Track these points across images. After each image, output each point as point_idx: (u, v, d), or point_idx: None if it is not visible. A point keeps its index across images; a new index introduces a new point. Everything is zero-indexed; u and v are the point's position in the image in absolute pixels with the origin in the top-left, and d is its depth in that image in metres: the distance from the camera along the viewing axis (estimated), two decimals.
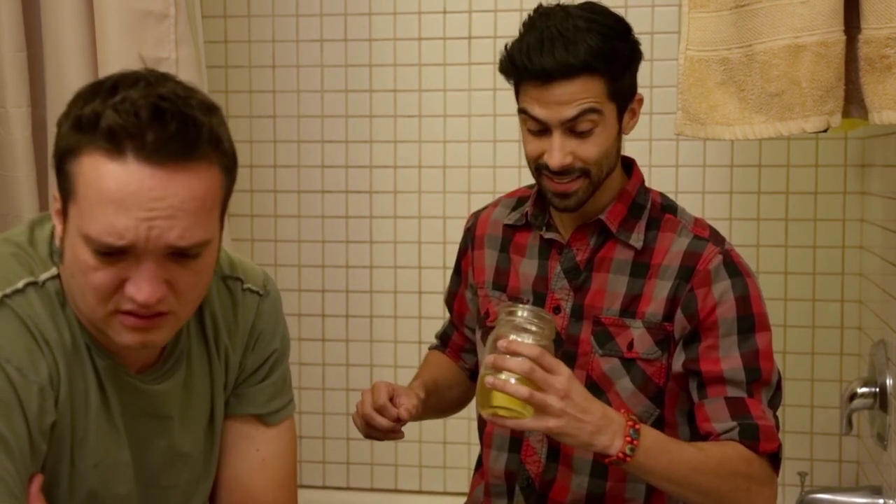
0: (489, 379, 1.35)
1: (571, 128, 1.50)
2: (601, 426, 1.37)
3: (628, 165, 1.65)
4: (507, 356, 1.35)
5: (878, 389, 1.91)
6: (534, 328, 1.38)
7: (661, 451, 1.43)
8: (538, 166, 1.55)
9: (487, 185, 2.42)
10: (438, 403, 1.73)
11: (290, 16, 2.50)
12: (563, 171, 1.52)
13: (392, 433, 1.58)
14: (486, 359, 1.37)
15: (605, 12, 1.54)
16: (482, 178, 2.44)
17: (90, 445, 1.19)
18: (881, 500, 1.89)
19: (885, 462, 1.92)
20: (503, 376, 1.35)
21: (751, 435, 1.49)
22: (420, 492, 2.53)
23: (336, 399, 2.55)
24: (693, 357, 1.53)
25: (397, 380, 2.44)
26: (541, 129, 1.52)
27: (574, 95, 1.49)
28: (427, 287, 2.46)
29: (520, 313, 1.39)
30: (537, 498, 1.59)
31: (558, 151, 1.51)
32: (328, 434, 2.56)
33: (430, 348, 1.89)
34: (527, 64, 1.49)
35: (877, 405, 1.91)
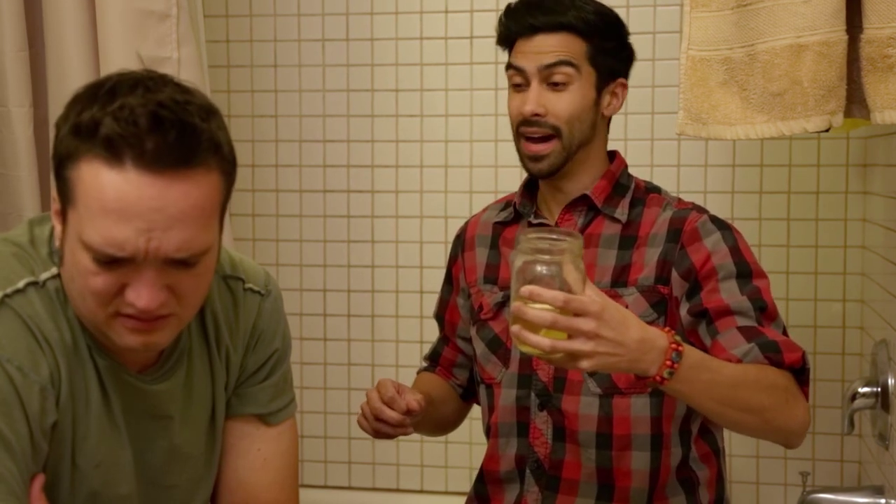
0: (513, 330, 1.27)
1: (547, 78, 1.62)
2: (637, 356, 1.31)
3: (612, 156, 1.74)
4: (529, 304, 1.25)
5: (879, 389, 1.90)
6: (554, 251, 1.26)
7: (702, 370, 1.38)
8: (517, 126, 1.65)
9: (489, 184, 2.42)
10: (434, 414, 1.73)
11: (292, 15, 2.50)
12: (535, 123, 1.61)
13: (401, 427, 1.58)
14: (512, 305, 1.28)
15: (603, 4, 1.68)
16: (484, 177, 2.44)
17: (91, 445, 1.19)
18: (883, 500, 1.88)
19: (887, 462, 1.92)
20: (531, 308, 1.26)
21: (772, 349, 1.48)
22: (422, 491, 2.53)
23: (338, 398, 2.55)
24: (697, 302, 1.56)
25: (399, 379, 2.44)
26: (521, 83, 1.64)
27: (553, 47, 1.62)
28: (428, 287, 2.45)
29: (536, 236, 1.28)
30: (548, 479, 1.61)
31: (533, 97, 1.62)
32: (330, 433, 2.56)
33: (418, 371, 1.89)
34: (518, 19, 1.64)
35: (879, 405, 1.91)
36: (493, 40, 2.39)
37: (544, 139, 1.62)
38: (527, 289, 1.25)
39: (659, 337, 1.33)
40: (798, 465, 2.31)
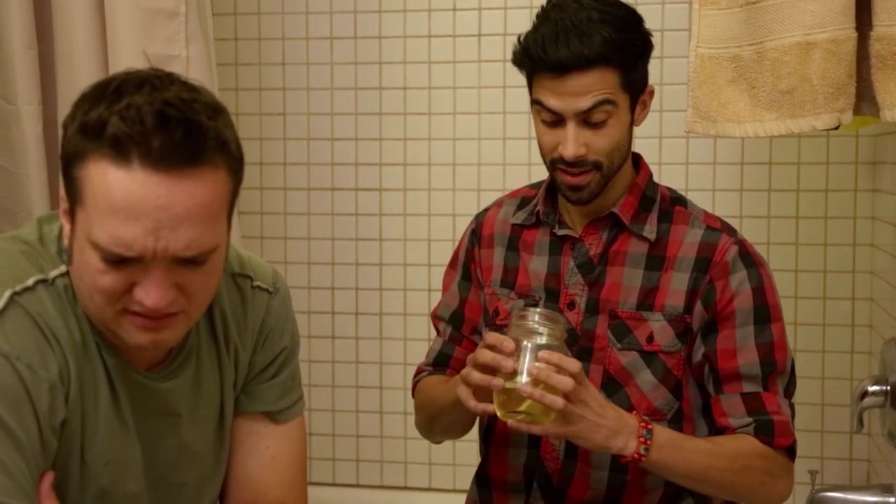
0: (527, 389, 1.36)
1: (586, 119, 1.52)
2: (616, 429, 1.42)
3: (636, 160, 1.67)
4: (551, 370, 1.36)
5: (888, 388, 1.90)
6: (547, 330, 1.40)
7: (675, 449, 1.47)
8: (553, 160, 1.56)
9: (497, 182, 2.42)
10: (450, 417, 1.66)
11: (300, 13, 2.50)
12: (577, 163, 1.53)
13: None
14: (529, 368, 1.37)
15: (617, 4, 1.56)
16: (492, 175, 2.44)
17: (100, 442, 1.19)
18: (892, 499, 1.88)
19: None
20: (520, 380, 1.37)
21: (766, 431, 1.53)
22: (430, 489, 2.53)
23: (345, 396, 2.56)
24: (711, 349, 1.56)
25: (406, 376, 2.44)
26: (555, 120, 1.54)
27: (589, 87, 1.51)
28: (436, 285, 2.45)
29: (532, 316, 1.41)
30: (555, 495, 1.59)
31: (572, 142, 1.52)
32: (338, 431, 2.57)
33: (421, 379, 1.76)
34: (542, 55, 1.51)
35: (888, 403, 1.90)
36: (502, 38, 2.42)
37: (584, 172, 1.55)
38: (545, 354, 1.37)
39: (630, 417, 1.45)
40: (807, 463, 2.31)
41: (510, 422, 1.40)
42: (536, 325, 1.40)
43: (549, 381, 1.36)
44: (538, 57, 1.52)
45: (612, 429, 1.42)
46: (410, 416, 1.80)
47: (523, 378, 1.37)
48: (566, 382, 1.36)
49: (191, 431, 1.28)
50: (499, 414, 1.40)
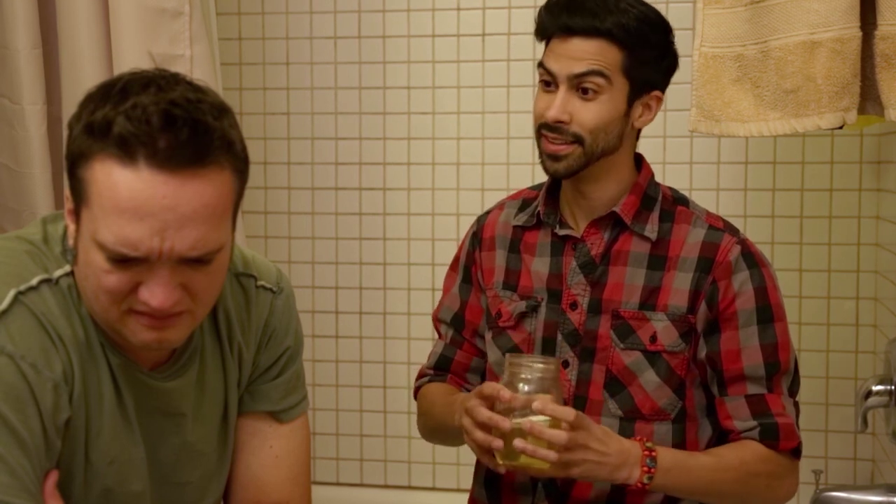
0: (519, 444, 1.37)
1: (577, 85, 1.55)
2: (619, 463, 1.44)
3: (638, 160, 1.67)
4: (542, 425, 1.38)
5: (893, 387, 1.89)
6: (539, 375, 1.41)
7: (680, 471, 1.49)
8: (538, 126, 1.59)
9: (501, 181, 2.42)
10: (459, 437, 1.60)
11: (304, 13, 2.50)
12: (557, 128, 1.55)
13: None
14: (523, 423, 1.38)
15: (650, 6, 1.59)
16: (495, 174, 2.44)
17: (105, 442, 1.20)
18: None
19: None
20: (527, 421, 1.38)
21: (771, 435, 1.54)
22: (433, 489, 2.53)
23: (349, 395, 2.56)
24: (715, 350, 1.56)
25: (410, 375, 2.44)
26: (550, 82, 1.57)
27: (587, 54, 1.54)
28: (440, 284, 2.45)
29: (525, 363, 1.43)
30: (559, 495, 1.60)
31: (558, 104, 1.55)
32: (341, 430, 2.57)
33: (422, 385, 1.76)
34: (555, 18, 1.56)
35: (892, 403, 1.90)
36: (506, 37, 2.42)
37: (564, 143, 1.56)
38: (539, 405, 1.37)
39: (633, 446, 1.46)
40: (811, 463, 2.31)
41: (507, 466, 1.42)
42: (529, 374, 1.41)
43: (542, 436, 1.37)
44: (551, 20, 1.56)
45: (614, 464, 1.44)
46: (414, 416, 1.80)
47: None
48: (560, 437, 1.38)
49: (194, 431, 1.29)
50: (498, 460, 1.42)
